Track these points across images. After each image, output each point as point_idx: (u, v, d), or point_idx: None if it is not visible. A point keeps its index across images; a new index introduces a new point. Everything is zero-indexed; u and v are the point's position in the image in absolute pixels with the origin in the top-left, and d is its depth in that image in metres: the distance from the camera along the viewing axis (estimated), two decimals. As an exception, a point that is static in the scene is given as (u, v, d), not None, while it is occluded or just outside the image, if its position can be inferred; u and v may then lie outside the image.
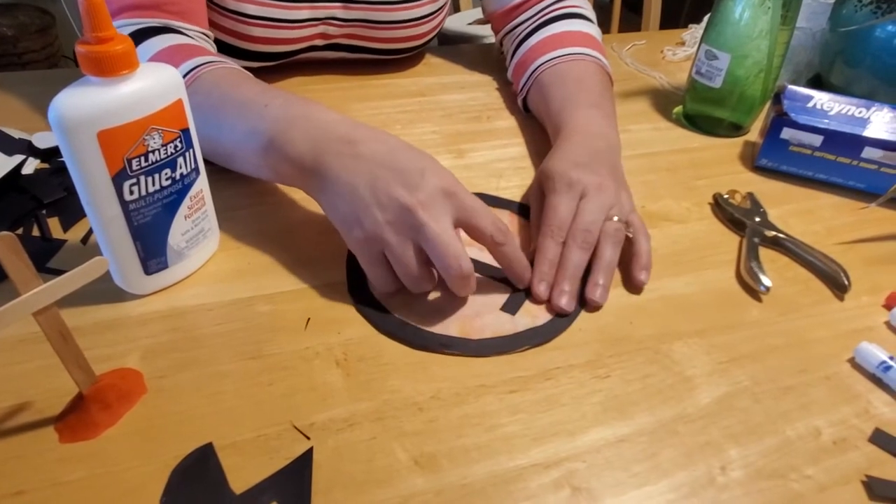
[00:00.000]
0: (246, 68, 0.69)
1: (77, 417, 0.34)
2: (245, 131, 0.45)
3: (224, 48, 0.66)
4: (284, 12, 0.64)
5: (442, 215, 0.39)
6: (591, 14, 0.70)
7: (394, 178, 0.40)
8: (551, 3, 0.69)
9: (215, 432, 0.34)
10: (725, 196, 0.55)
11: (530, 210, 0.51)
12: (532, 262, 0.44)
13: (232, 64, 0.54)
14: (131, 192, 0.37)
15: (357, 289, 0.44)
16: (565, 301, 0.42)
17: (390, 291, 0.42)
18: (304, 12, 0.66)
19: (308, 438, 0.34)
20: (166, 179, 0.39)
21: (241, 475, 0.32)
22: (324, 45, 0.72)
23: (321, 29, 0.69)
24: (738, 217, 0.53)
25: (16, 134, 0.56)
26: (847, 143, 0.56)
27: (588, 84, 0.60)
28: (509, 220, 0.51)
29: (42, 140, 0.56)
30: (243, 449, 0.34)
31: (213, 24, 0.64)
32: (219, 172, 0.51)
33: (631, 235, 0.46)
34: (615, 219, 0.46)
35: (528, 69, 0.65)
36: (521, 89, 0.66)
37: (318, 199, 0.44)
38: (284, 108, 0.45)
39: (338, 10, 0.68)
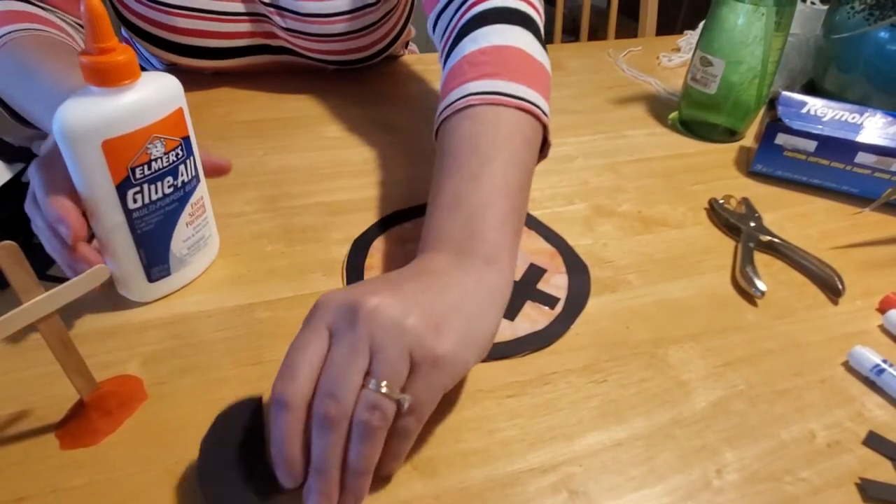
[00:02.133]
0: (202, 68, 0.67)
1: (78, 424, 0.34)
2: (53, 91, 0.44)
3: (157, 41, 0.64)
4: (211, 3, 0.63)
5: None
6: (529, 8, 0.50)
7: None
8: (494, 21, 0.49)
9: (215, 438, 0.35)
10: (721, 201, 0.55)
11: None
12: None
13: (56, 33, 0.53)
14: (135, 201, 0.38)
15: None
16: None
17: None
18: (236, 5, 0.64)
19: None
20: (168, 187, 0.39)
21: (241, 481, 0.33)
22: (277, 46, 0.69)
23: (265, 27, 0.67)
24: (733, 222, 0.53)
25: (16, 142, 0.56)
26: (841, 148, 0.56)
27: (481, 145, 0.40)
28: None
29: (42, 148, 0.56)
30: (243, 455, 0.34)
31: (135, 14, 0.62)
32: (217, 181, 0.51)
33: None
34: (372, 384, 0.29)
35: (438, 109, 0.46)
36: (435, 130, 0.47)
37: None
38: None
39: (273, 15, 0.65)
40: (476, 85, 0.43)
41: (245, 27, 0.66)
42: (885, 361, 0.40)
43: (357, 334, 0.29)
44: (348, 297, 0.30)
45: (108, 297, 0.42)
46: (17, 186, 0.51)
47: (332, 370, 0.29)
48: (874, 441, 0.36)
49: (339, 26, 0.65)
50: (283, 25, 0.66)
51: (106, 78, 0.35)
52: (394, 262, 0.47)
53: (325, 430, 0.28)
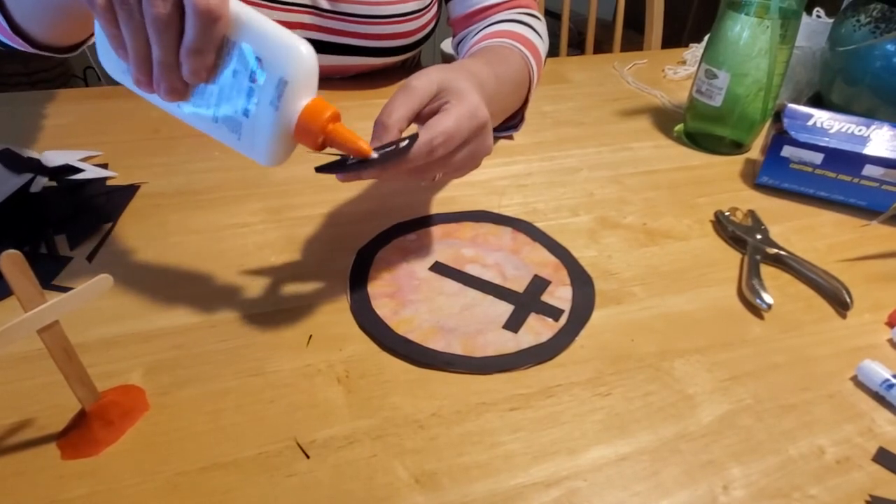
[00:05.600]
0: None
1: (79, 434, 0.34)
2: None
3: None
4: None
5: None
6: (541, 27, 0.68)
7: None
8: (508, 20, 0.67)
9: (216, 449, 0.34)
10: (727, 213, 0.55)
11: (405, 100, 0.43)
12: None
13: None
14: None
15: (360, 306, 0.44)
16: None
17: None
18: None
19: (308, 457, 0.34)
20: None
21: (242, 493, 0.32)
22: (313, 41, 0.71)
23: (306, 19, 0.69)
24: (739, 234, 0.53)
25: (25, 153, 0.57)
26: (848, 160, 0.56)
27: (493, 60, 0.55)
28: (512, 237, 0.52)
29: (50, 159, 0.56)
30: (244, 466, 0.34)
31: None
32: (222, 191, 0.51)
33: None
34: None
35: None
36: None
37: None
38: None
39: (323, 0, 0.69)
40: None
41: (292, 18, 0.68)
42: (894, 376, 0.39)
43: None
44: None
45: (112, 307, 0.42)
46: (26, 196, 0.52)
47: None
48: (884, 457, 0.36)
49: (388, 7, 0.70)
50: (331, 9, 0.69)
51: None
52: (397, 272, 0.47)
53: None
